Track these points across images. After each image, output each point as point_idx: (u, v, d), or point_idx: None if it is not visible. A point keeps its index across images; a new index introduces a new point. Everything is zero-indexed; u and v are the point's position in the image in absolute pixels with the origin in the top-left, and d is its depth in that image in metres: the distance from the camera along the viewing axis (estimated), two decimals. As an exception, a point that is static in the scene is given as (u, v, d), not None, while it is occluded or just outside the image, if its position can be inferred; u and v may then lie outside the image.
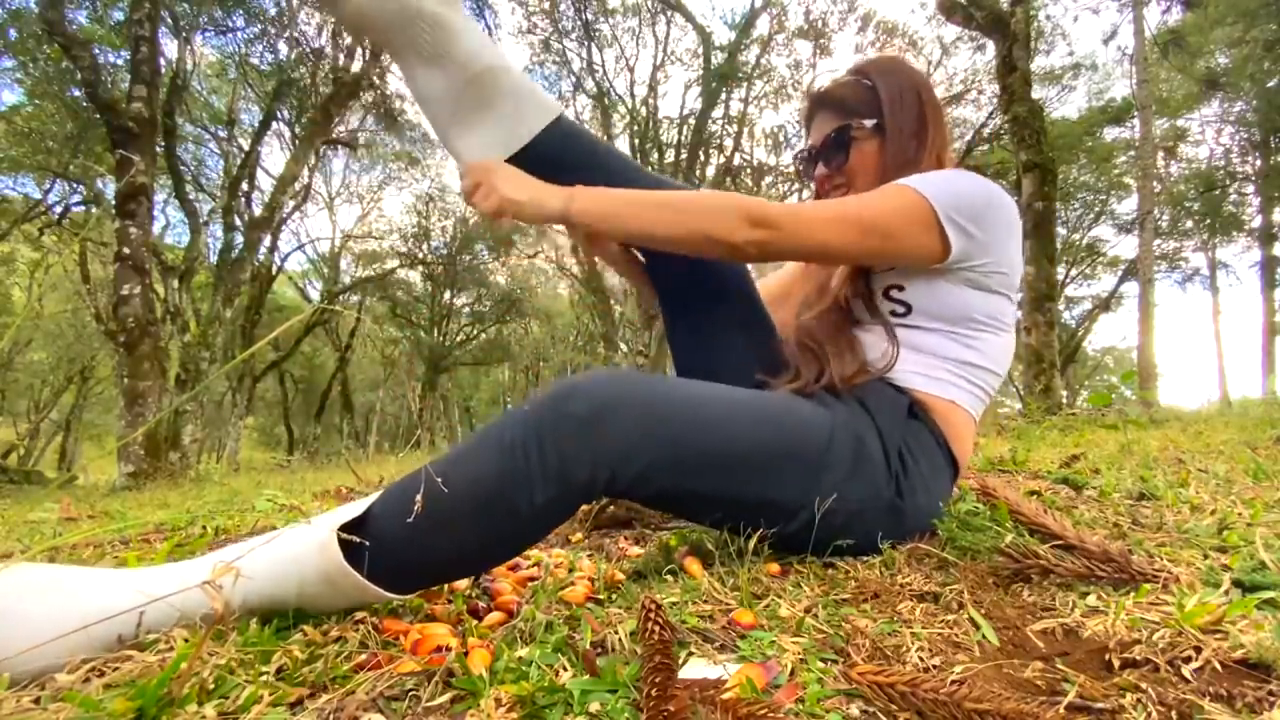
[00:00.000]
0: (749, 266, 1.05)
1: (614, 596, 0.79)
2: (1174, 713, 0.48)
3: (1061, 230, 14.09)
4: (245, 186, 10.58)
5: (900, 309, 0.96)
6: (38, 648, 0.57)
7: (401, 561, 0.67)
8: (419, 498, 0.65)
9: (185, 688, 0.51)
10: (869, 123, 1.02)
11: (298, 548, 0.65)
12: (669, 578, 0.84)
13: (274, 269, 13.30)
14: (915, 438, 0.91)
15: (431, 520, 0.65)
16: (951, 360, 0.94)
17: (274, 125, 11.17)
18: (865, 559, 0.88)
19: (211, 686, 0.53)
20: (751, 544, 0.84)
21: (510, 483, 0.67)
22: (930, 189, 0.88)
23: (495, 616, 0.73)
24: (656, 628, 0.53)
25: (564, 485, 0.68)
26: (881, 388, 0.94)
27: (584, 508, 1.36)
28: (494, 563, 0.75)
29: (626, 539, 1.18)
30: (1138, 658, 0.56)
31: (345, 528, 0.66)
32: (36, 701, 0.53)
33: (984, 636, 0.64)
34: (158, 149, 7.05)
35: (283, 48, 10.20)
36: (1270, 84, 11.21)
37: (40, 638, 0.58)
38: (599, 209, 0.88)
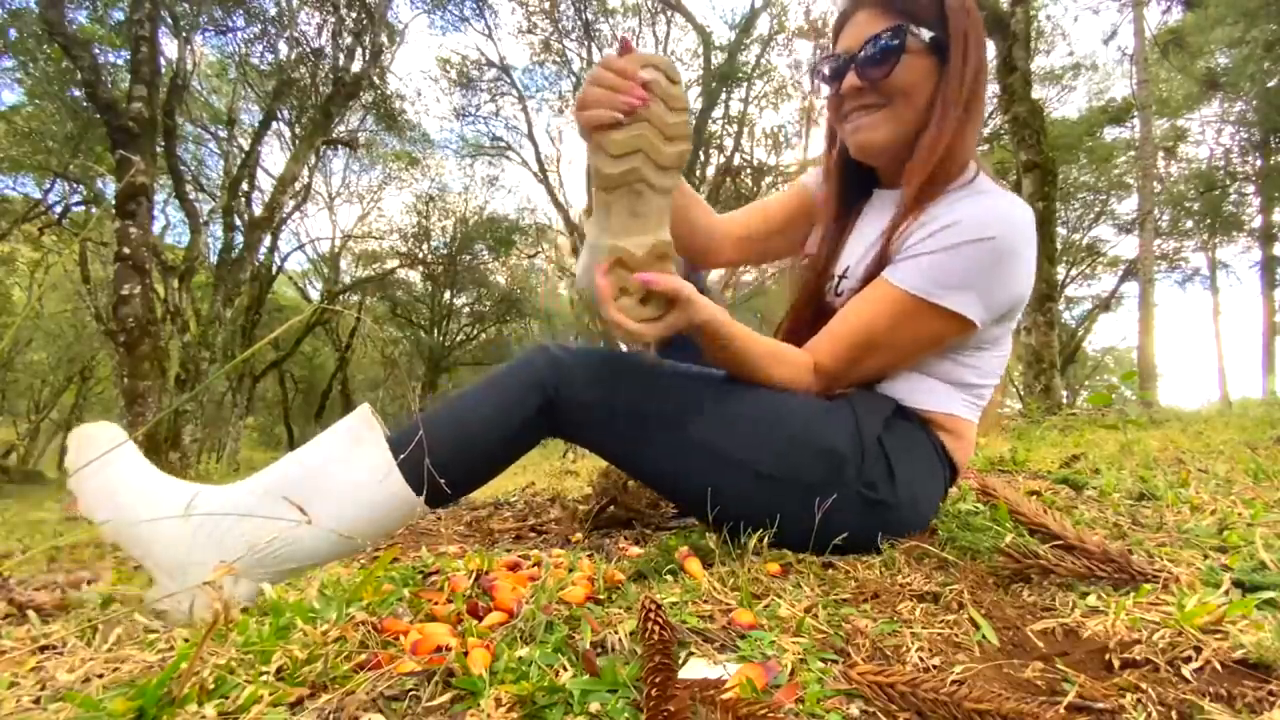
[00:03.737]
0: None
1: (614, 596, 0.79)
2: (1174, 713, 0.48)
3: (1061, 230, 14.06)
4: (245, 186, 10.57)
5: None
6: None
7: (425, 459, 0.78)
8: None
9: (185, 688, 0.51)
10: (926, 34, 0.86)
11: (343, 428, 0.81)
12: (669, 578, 0.84)
13: (274, 269, 13.29)
14: (900, 439, 0.91)
15: (445, 414, 0.84)
16: (947, 380, 0.95)
17: (274, 125, 11.15)
18: (865, 559, 0.88)
19: (211, 686, 0.53)
20: (751, 544, 0.84)
21: (490, 386, 0.87)
22: (934, 288, 0.85)
23: (495, 616, 0.73)
24: (656, 628, 0.53)
25: (532, 389, 0.85)
26: (866, 391, 0.95)
27: (583, 508, 1.36)
28: (483, 466, 0.87)
29: (626, 539, 1.18)
30: (1138, 658, 0.56)
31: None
32: (36, 701, 0.53)
33: (984, 636, 0.64)
34: (158, 149, 7.05)
35: (283, 48, 10.20)
36: (1270, 84, 11.19)
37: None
38: (716, 331, 0.87)
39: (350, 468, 0.79)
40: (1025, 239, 0.86)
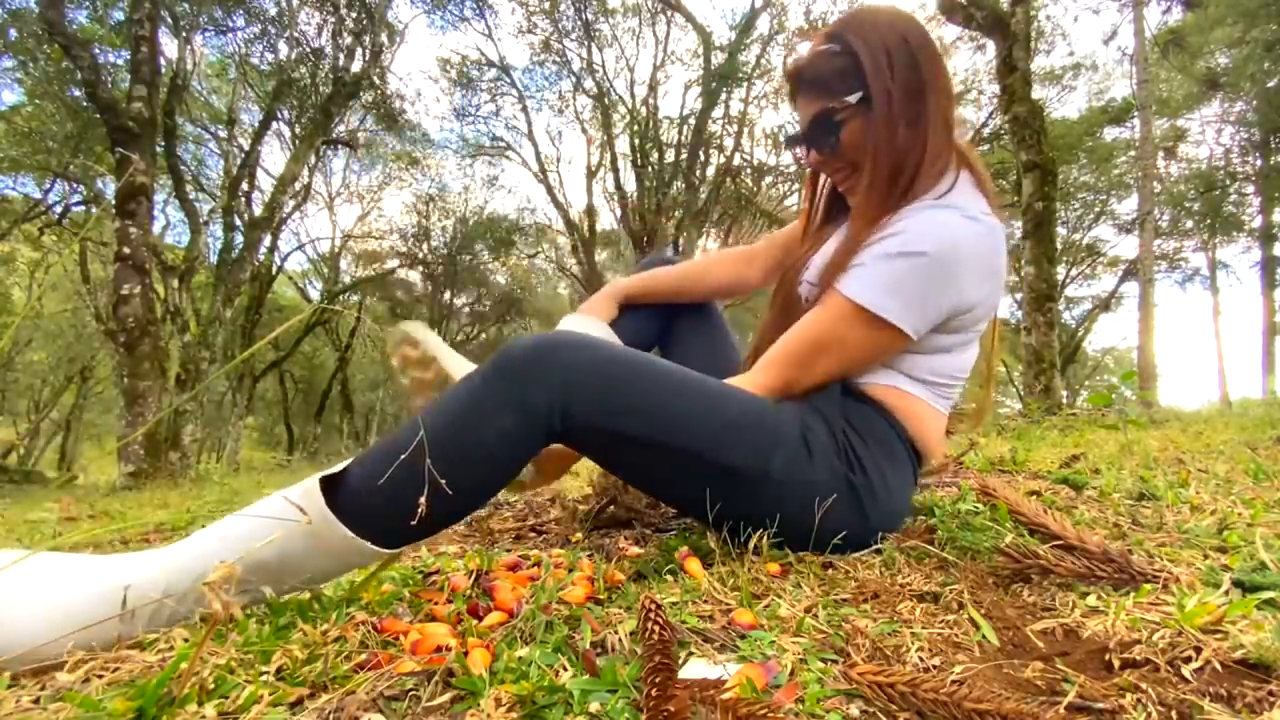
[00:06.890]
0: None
1: (614, 596, 0.79)
2: (1174, 713, 0.48)
3: (1061, 230, 14.07)
4: (245, 186, 10.55)
5: None
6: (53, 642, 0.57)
7: (383, 510, 0.71)
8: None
9: (185, 688, 0.51)
10: (853, 98, 0.92)
11: (278, 505, 0.68)
12: (669, 578, 0.84)
13: (274, 269, 13.29)
14: (855, 416, 0.92)
15: (411, 459, 0.70)
16: (889, 367, 0.95)
17: (274, 125, 11.14)
18: (864, 559, 0.88)
19: (211, 686, 0.53)
20: (752, 544, 0.84)
21: (477, 409, 0.74)
22: (870, 295, 0.86)
23: (495, 616, 0.73)
24: (656, 628, 0.53)
25: (524, 412, 0.75)
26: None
27: (583, 508, 1.36)
28: (471, 499, 0.78)
29: (626, 539, 1.18)
30: (1138, 658, 0.56)
31: (324, 481, 0.70)
32: (36, 701, 0.53)
33: (984, 636, 0.64)
34: (158, 149, 7.05)
35: (283, 48, 10.19)
36: (1270, 84, 11.19)
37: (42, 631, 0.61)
38: None
39: (313, 555, 0.70)
40: (962, 257, 0.86)
